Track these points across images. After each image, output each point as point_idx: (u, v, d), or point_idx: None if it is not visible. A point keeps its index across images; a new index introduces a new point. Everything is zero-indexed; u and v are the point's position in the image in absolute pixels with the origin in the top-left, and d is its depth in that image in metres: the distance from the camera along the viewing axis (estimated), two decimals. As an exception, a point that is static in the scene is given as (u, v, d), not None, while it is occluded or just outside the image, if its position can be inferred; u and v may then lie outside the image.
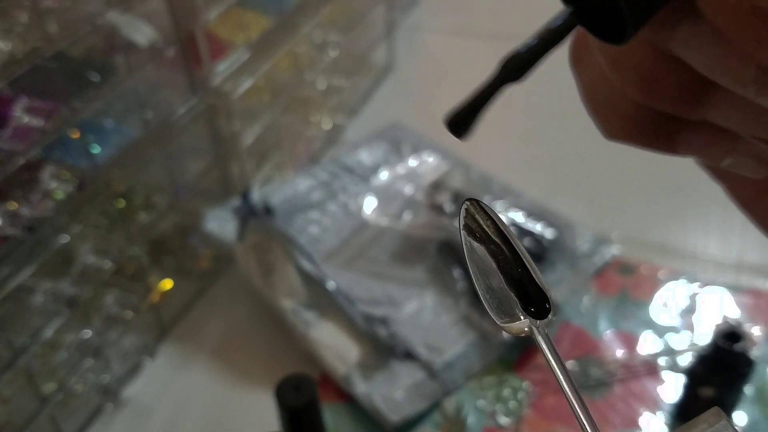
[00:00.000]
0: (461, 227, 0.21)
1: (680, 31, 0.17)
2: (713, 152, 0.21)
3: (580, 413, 0.19)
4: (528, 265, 0.21)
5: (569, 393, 0.20)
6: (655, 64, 0.19)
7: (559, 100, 0.78)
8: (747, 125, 0.19)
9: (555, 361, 0.20)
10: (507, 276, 0.21)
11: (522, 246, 0.21)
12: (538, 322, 0.20)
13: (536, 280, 0.21)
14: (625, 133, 0.21)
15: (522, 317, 0.21)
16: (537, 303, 0.21)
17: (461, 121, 0.20)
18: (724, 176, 0.24)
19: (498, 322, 0.21)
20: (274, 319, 0.71)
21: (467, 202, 0.21)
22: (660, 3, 0.17)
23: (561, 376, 0.20)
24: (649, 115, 0.20)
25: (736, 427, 0.18)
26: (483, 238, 0.21)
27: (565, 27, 0.19)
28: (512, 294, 0.21)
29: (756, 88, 0.17)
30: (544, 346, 0.20)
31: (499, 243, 0.21)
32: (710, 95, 0.19)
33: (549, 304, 0.21)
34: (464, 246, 0.21)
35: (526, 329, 0.21)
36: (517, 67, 0.19)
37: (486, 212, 0.21)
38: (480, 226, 0.21)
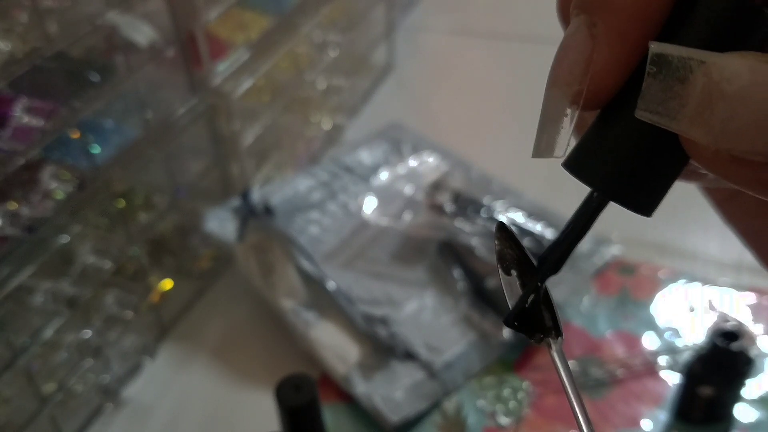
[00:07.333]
0: (497, 255, 0.24)
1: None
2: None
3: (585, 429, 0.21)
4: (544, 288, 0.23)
5: (577, 409, 0.21)
6: None
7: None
8: None
9: (567, 377, 0.22)
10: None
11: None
12: (558, 339, 0.23)
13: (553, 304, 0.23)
14: None
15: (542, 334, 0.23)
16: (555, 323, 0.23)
17: (519, 319, 0.22)
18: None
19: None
20: (274, 319, 0.71)
21: (498, 225, 0.24)
22: (669, 177, 0.20)
23: (571, 393, 0.22)
24: None
25: None
26: (513, 259, 0.24)
27: (598, 209, 0.21)
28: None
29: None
30: (558, 362, 0.22)
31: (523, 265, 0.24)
32: None
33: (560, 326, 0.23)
34: (500, 270, 0.24)
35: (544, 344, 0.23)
36: (552, 265, 0.22)
37: (513, 238, 0.24)
38: (510, 248, 0.24)
